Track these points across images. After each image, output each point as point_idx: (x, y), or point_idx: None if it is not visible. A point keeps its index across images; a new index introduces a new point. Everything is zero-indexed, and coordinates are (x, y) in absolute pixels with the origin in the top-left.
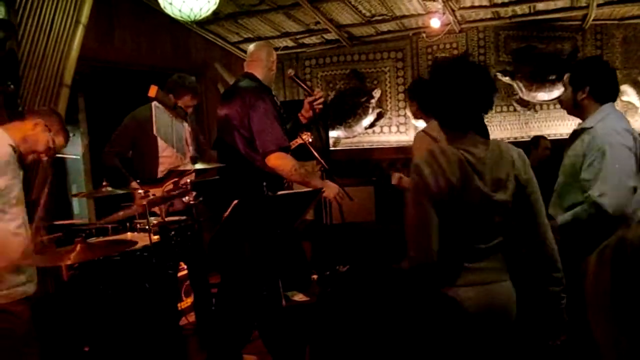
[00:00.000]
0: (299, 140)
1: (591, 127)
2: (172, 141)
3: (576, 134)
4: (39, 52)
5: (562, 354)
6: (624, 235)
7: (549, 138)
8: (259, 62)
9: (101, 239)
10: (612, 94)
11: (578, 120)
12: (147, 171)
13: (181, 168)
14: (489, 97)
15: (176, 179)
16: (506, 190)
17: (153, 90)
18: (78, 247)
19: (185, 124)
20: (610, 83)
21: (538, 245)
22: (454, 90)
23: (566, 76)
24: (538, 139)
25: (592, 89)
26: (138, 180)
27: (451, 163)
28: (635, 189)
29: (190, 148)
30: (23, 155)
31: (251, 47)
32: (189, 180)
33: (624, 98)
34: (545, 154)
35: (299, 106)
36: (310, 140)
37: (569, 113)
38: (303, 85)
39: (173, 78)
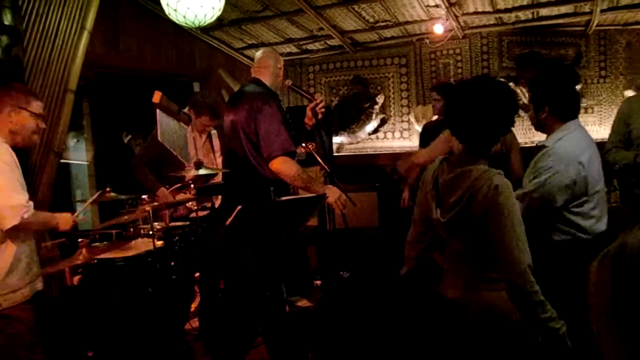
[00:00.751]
0: (304, 149)
1: (549, 147)
2: (176, 147)
3: (538, 149)
4: (45, 58)
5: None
6: (624, 240)
7: None
8: (266, 68)
9: (105, 244)
10: (573, 111)
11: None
12: (171, 181)
13: (182, 174)
14: (510, 118)
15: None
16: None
17: (157, 96)
18: (83, 251)
19: (187, 130)
20: (570, 100)
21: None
22: (470, 111)
23: (528, 95)
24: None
25: (552, 108)
26: (167, 186)
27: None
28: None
29: (198, 154)
30: (26, 148)
31: (258, 53)
32: (192, 186)
33: None
34: None
35: (303, 112)
36: (313, 148)
37: (536, 130)
38: (302, 92)
39: (195, 96)
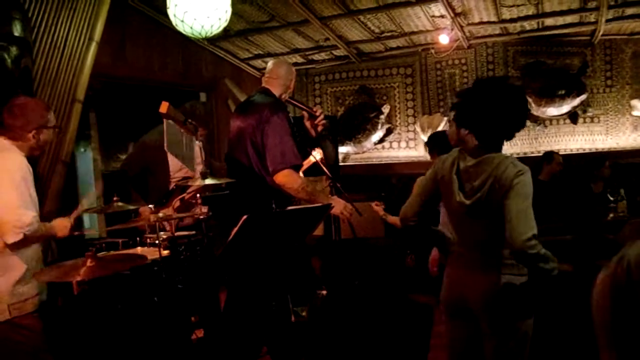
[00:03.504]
0: (311, 160)
1: None
2: (183, 157)
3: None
4: (53, 68)
5: None
6: (625, 252)
7: (559, 153)
8: (277, 79)
9: (111, 253)
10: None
11: (588, 136)
12: (160, 193)
13: (189, 183)
14: (521, 118)
15: (182, 196)
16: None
17: (164, 107)
18: (88, 262)
19: (195, 140)
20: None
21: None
22: (490, 106)
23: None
24: (551, 154)
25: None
26: (149, 205)
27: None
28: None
29: (201, 164)
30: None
31: (270, 63)
32: (198, 195)
33: (634, 113)
34: (557, 168)
35: (302, 123)
36: (321, 156)
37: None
38: (301, 105)
39: (184, 107)
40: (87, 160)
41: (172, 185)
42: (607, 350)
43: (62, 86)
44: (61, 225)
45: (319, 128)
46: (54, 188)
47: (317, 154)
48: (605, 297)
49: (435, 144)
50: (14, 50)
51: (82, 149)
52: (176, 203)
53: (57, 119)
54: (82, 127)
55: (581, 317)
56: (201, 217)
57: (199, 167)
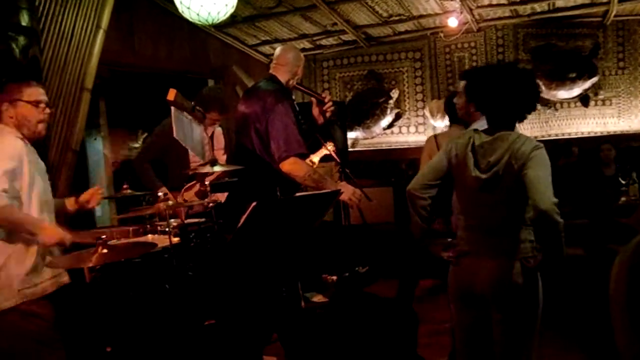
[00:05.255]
0: (324, 151)
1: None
2: (191, 144)
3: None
4: (61, 57)
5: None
6: None
7: (570, 136)
8: (284, 65)
9: (122, 241)
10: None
11: (600, 120)
12: (180, 177)
13: (201, 171)
14: (532, 100)
15: (200, 182)
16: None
17: (172, 94)
18: (100, 249)
19: (202, 127)
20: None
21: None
22: (503, 89)
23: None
24: (570, 147)
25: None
26: (160, 193)
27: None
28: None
29: (210, 150)
30: (39, 139)
31: (278, 49)
32: (207, 182)
33: None
34: (573, 160)
35: (310, 109)
36: (333, 148)
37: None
38: (309, 91)
39: (202, 91)
40: (97, 148)
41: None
42: (623, 332)
43: (71, 75)
44: (50, 233)
45: (327, 114)
46: (64, 177)
47: (330, 146)
48: (623, 280)
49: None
50: (21, 40)
51: (93, 138)
52: (195, 188)
53: (66, 108)
54: (91, 116)
55: (594, 300)
56: (211, 204)
57: (220, 153)
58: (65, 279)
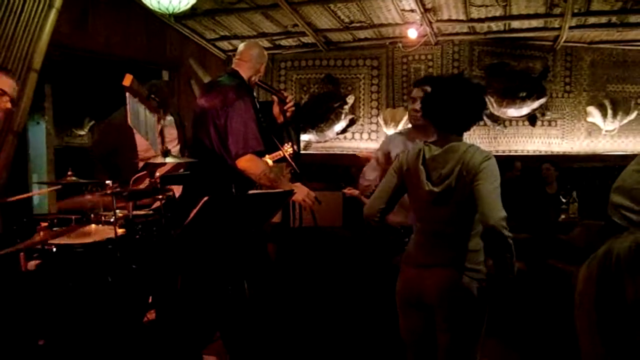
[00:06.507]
0: (280, 154)
1: None
2: (144, 132)
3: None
4: (7, 34)
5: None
6: (611, 246)
7: (517, 154)
8: (247, 62)
9: (64, 229)
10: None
11: (545, 139)
12: (130, 173)
13: (152, 161)
14: (479, 110)
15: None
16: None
17: (128, 79)
18: (42, 234)
19: (156, 116)
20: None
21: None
22: (450, 100)
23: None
24: (512, 162)
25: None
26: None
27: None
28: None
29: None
30: None
31: (241, 45)
32: (157, 175)
33: (589, 119)
34: (516, 174)
35: (270, 108)
36: (291, 151)
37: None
38: (271, 89)
39: (154, 81)
40: (40, 132)
41: (140, 165)
42: (589, 336)
43: (17, 53)
44: None
45: (288, 114)
46: (4, 159)
47: (289, 148)
48: (592, 284)
49: None
50: None
51: (36, 122)
52: (147, 181)
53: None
54: (36, 99)
55: (534, 310)
56: (161, 198)
57: (172, 144)
58: None
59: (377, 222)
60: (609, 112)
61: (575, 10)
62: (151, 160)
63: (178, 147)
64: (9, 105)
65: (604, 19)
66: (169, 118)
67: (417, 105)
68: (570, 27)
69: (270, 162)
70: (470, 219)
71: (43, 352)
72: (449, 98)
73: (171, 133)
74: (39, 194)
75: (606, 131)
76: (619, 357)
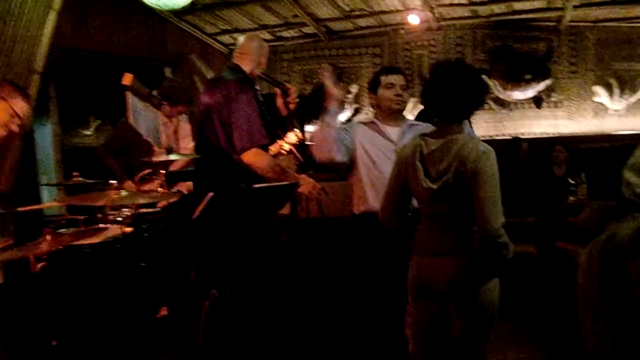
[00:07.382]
0: (280, 145)
1: None
2: (145, 130)
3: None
4: (8, 37)
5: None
6: (614, 232)
7: (523, 136)
8: (248, 55)
9: (72, 230)
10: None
11: (552, 121)
12: (143, 169)
13: (155, 159)
14: (479, 96)
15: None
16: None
17: (127, 79)
18: (48, 237)
19: (158, 114)
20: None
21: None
22: (449, 87)
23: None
24: (519, 145)
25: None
26: (134, 176)
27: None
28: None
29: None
30: None
31: (241, 38)
32: (162, 172)
33: (596, 99)
34: (522, 156)
35: (273, 100)
36: (297, 139)
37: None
38: (274, 81)
39: (165, 83)
40: (46, 134)
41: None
42: (592, 322)
43: (18, 56)
44: None
45: (291, 106)
46: (11, 163)
47: (294, 136)
48: (594, 274)
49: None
50: None
51: (42, 123)
52: (154, 182)
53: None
54: (41, 101)
55: (544, 293)
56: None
57: (186, 142)
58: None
59: (396, 224)
60: (616, 91)
61: None
62: (154, 158)
63: (193, 144)
64: (17, 129)
65: None
66: (183, 116)
67: (398, 90)
68: (574, 7)
69: (286, 147)
70: (471, 211)
71: (56, 352)
72: (449, 85)
73: (185, 129)
74: (51, 206)
75: (613, 111)
76: (624, 344)
